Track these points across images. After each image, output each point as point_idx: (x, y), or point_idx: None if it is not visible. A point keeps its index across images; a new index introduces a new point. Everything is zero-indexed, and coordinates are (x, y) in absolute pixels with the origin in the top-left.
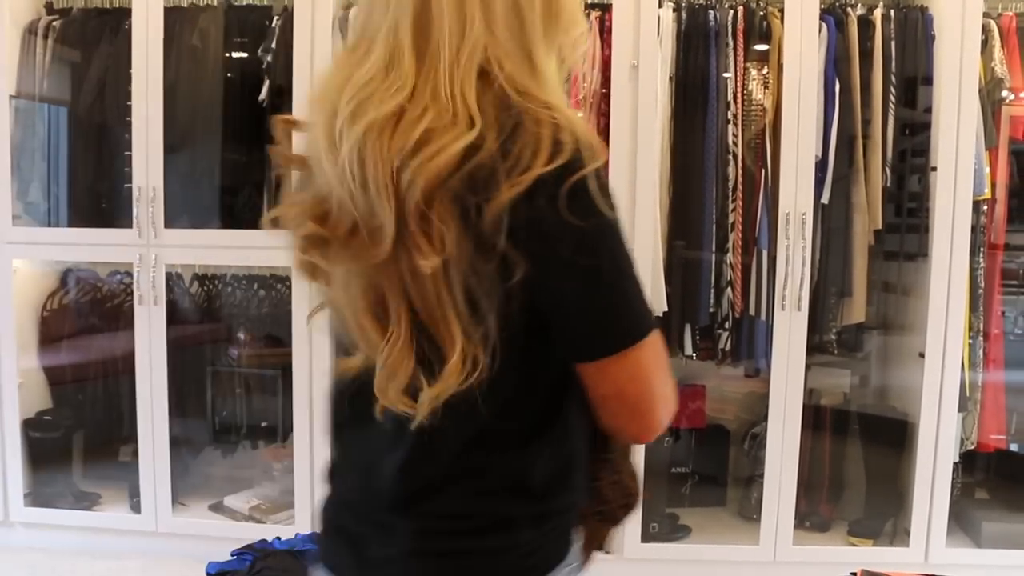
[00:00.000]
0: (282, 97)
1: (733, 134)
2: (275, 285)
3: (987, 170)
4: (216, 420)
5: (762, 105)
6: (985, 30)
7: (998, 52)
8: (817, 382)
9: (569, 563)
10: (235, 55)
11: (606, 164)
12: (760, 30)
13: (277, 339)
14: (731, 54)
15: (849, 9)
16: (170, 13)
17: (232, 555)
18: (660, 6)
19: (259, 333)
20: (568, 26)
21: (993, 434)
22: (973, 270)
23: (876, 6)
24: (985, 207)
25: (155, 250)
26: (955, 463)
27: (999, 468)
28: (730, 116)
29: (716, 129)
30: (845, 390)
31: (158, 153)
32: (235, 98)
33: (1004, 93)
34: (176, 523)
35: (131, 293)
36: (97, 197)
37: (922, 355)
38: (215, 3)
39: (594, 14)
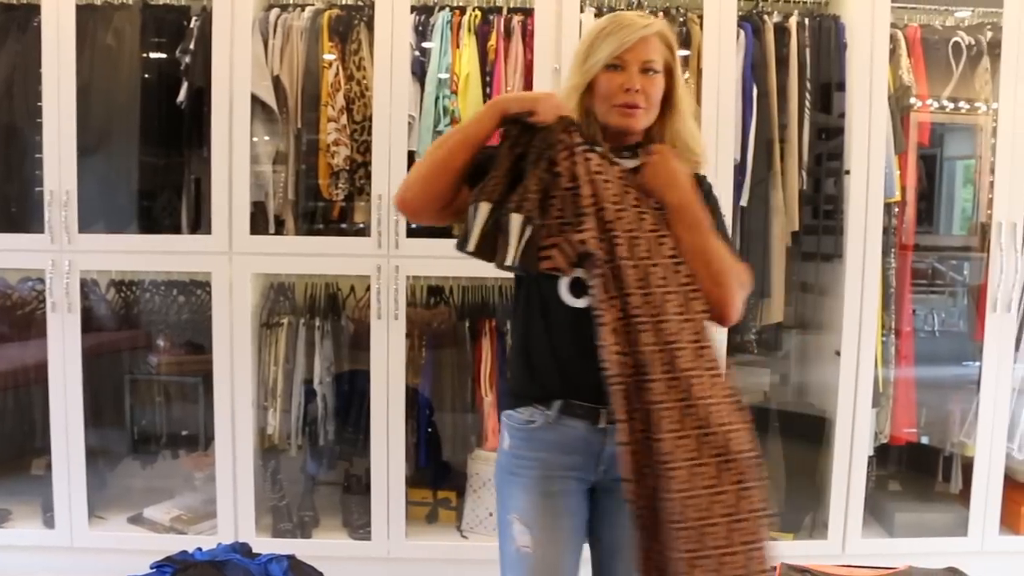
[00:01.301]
0: (201, 99)
1: None
2: (195, 291)
3: (897, 174)
4: (135, 429)
5: None
6: (893, 40)
7: (905, 61)
8: (738, 381)
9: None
10: (152, 56)
11: None
12: (680, 36)
13: (197, 346)
14: None
15: (766, 17)
16: (82, 11)
17: (151, 568)
18: (582, 11)
19: (179, 340)
20: None
21: (905, 428)
22: (885, 270)
23: (791, 14)
24: (896, 209)
25: (68, 256)
26: (869, 457)
27: (910, 460)
28: None
29: None
30: (765, 388)
31: (71, 156)
32: (152, 100)
33: (912, 100)
34: (93, 537)
35: (43, 300)
36: (6, 201)
37: (838, 353)
38: (130, 2)
39: (516, 18)
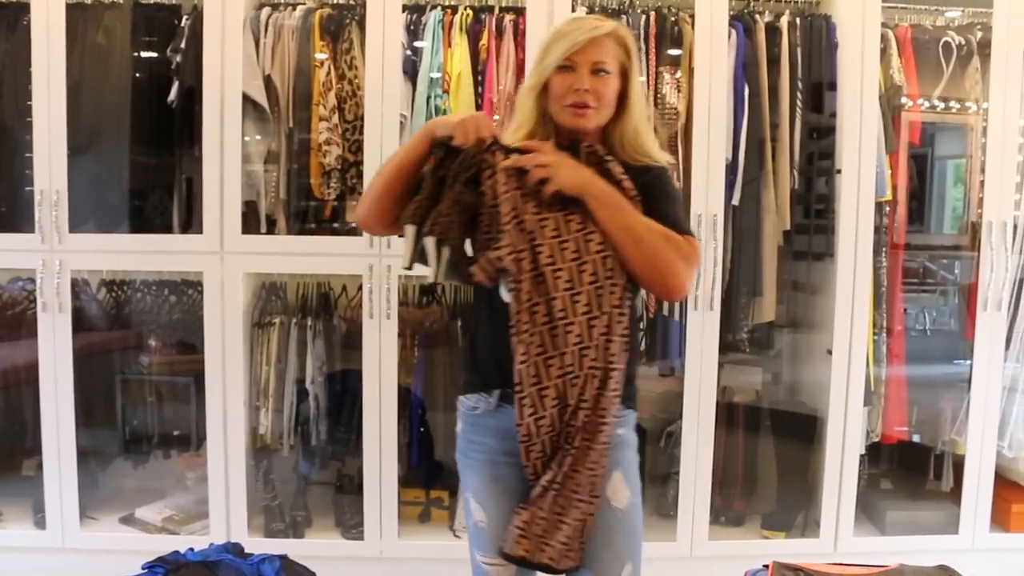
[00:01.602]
0: (192, 98)
1: None
2: (186, 290)
3: (888, 173)
4: (126, 430)
5: (675, 108)
6: (884, 39)
7: (896, 60)
8: (730, 380)
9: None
10: (143, 55)
11: None
12: (672, 35)
13: (189, 345)
14: (643, 58)
15: (757, 16)
16: (72, 10)
17: (143, 568)
18: (573, 10)
19: (170, 340)
20: None
21: (896, 426)
22: (876, 269)
23: (783, 14)
24: (887, 208)
25: (59, 255)
26: (861, 455)
27: (902, 459)
28: None
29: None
30: (757, 387)
31: (61, 155)
32: (143, 99)
33: (902, 99)
34: (84, 538)
35: (34, 300)
36: None
37: (830, 352)
38: (121, 1)
39: (508, 17)
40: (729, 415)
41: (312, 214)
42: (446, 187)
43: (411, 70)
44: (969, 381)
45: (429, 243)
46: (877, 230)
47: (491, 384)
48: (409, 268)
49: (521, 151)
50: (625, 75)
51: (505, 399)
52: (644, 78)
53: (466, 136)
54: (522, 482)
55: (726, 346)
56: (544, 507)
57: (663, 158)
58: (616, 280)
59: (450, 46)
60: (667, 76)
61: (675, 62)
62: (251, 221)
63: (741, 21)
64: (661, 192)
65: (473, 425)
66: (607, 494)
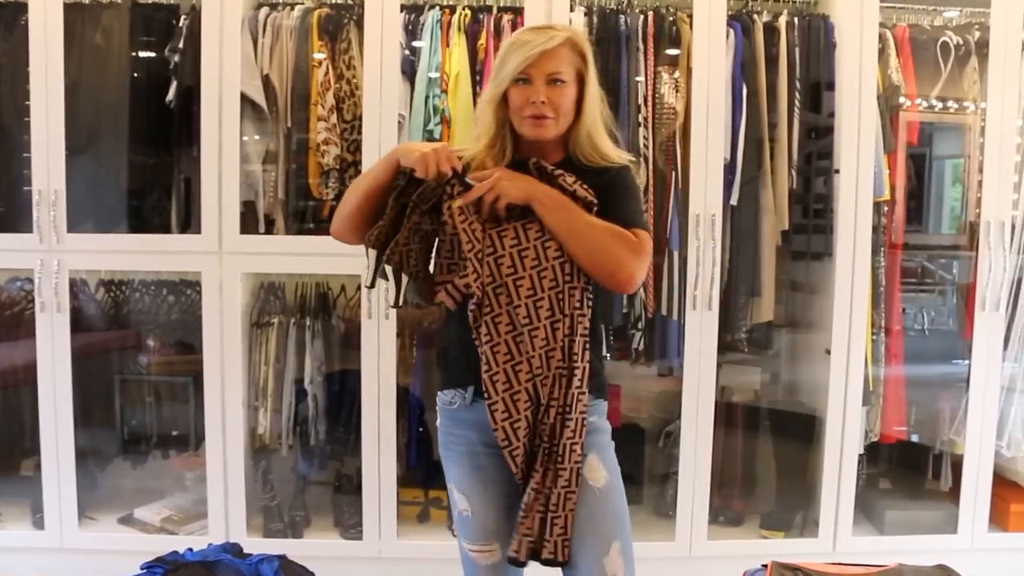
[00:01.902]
0: (190, 98)
1: (644, 137)
2: (184, 290)
3: (886, 173)
4: (125, 430)
5: (673, 108)
6: (882, 39)
7: (894, 60)
8: (729, 380)
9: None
10: (141, 54)
11: None
12: (670, 35)
13: (188, 345)
14: (642, 58)
15: (755, 16)
16: (70, 9)
17: (141, 568)
18: (571, 10)
19: (169, 340)
20: None
21: (895, 426)
22: (875, 269)
23: (781, 14)
24: (885, 208)
25: (57, 255)
26: (860, 455)
27: (900, 458)
28: (641, 119)
29: (628, 132)
30: (756, 387)
31: (60, 155)
32: (141, 99)
33: (901, 99)
34: (83, 538)
35: (32, 300)
36: None
37: (828, 352)
38: (119, 0)
39: (506, 17)
40: (728, 415)
41: (310, 214)
42: (406, 216)
43: (409, 70)
44: (967, 381)
45: (389, 271)
46: (875, 230)
47: (464, 381)
48: (370, 287)
49: (471, 184)
50: (582, 80)
51: (479, 394)
52: (642, 78)
53: (427, 169)
54: (503, 471)
55: (725, 346)
56: (540, 508)
57: (622, 158)
58: (575, 283)
59: (448, 46)
60: (665, 76)
61: (673, 62)
62: (249, 221)
63: (739, 21)
64: (617, 189)
65: (451, 419)
66: (584, 474)
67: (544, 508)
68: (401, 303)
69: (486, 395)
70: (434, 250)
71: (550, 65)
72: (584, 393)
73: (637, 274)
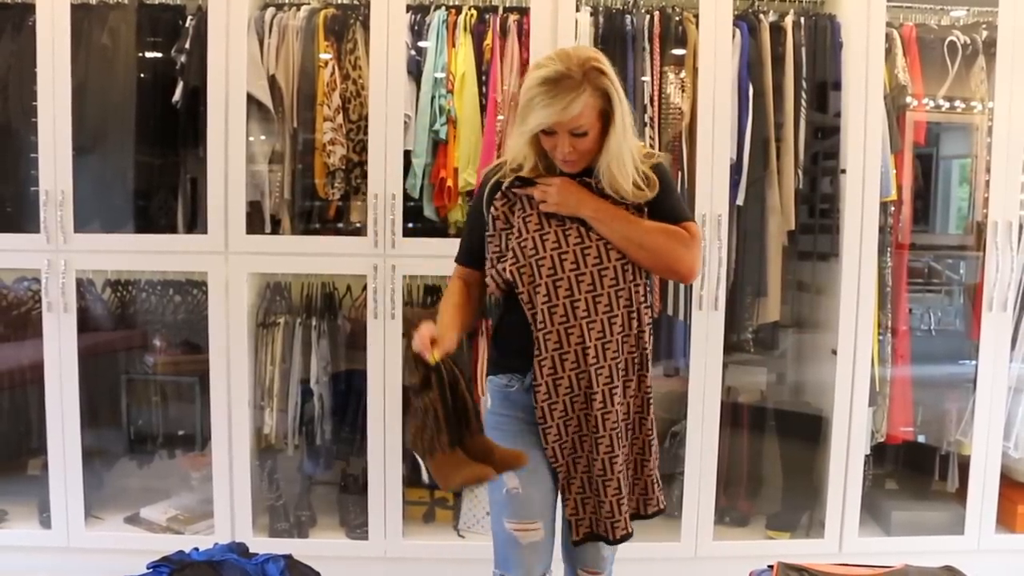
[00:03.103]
0: (197, 98)
1: (650, 137)
2: (191, 290)
3: (893, 173)
4: (131, 429)
5: (679, 108)
6: (888, 39)
7: (901, 60)
8: (735, 380)
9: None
10: (148, 55)
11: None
12: (676, 35)
13: (194, 345)
14: (648, 58)
15: (761, 15)
16: (77, 10)
17: (148, 568)
18: (577, 10)
19: (175, 339)
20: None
21: (901, 426)
22: (881, 269)
23: (787, 13)
24: (892, 208)
25: (64, 255)
26: (866, 455)
27: (907, 459)
28: (647, 119)
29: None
30: (762, 387)
31: (67, 155)
32: (148, 99)
33: (907, 99)
34: (89, 537)
35: (39, 300)
36: (1, 201)
37: (834, 352)
38: (125, 1)
39: (512, 17)
40: (734, 415)
41: (316, 214)
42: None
43: (415, 70)
44: (974, 381)
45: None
46: (882, 230)
47: (522, 368)
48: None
49: (534, 181)
50: (606, 116)
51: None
52: (648, 78)
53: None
54: None
55: (731, 346)
56: (578, 490)
57: (638, 196)
58: (638, 280)
59: (454, 46)
60: (671, 76)
61: (679, 62)
62: (255, 221)
63: (745, 21)
64: (661, 190)
65: (504, 399)
66: None
67: (639, 473)
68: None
69: (534, 379)
70: (486, 247)
71: (571, 123)
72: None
73: (695, 265)
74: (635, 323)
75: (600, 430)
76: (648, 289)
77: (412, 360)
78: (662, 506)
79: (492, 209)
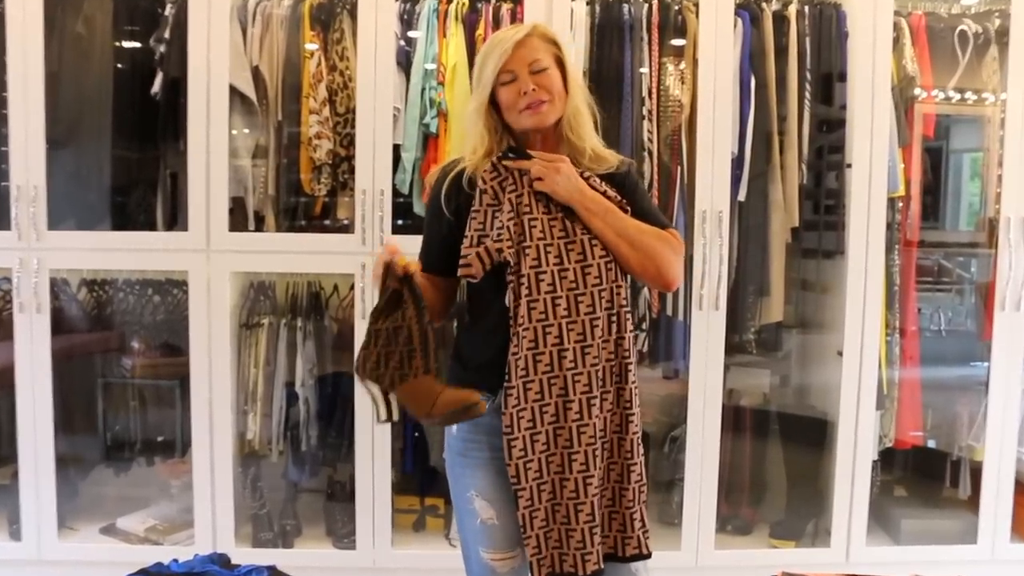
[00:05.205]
0: (177, 90)
1: (649, 130)
2: (171, 290)
3: (901, 167)
4: (108, 436)
5: (679, 101)
6: (896, 28)
7: (909, 50)
8: (737, 382)
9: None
10: (125, 45)
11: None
12: (675, 24)
13: (174, 347)
14: (646, 49)
15: (764, 4)
16: None
17: None
18: None
19: (154, 341)
20: None
21: (911, 431)
22: (889, 267)
23: (791, 2)
24: (900, 204)
25: (37, 254)
26: (874, 461)
27: (916, 465)
28: (645, 112)
29: (631, 125)
30: (765, 390)
31: (39, 149)
32: (125, 91)
33: (916, 91)
34: (62, 549)
35: (10, 301)
36: None
37: (840, 353)
38: None
39: (506, 6)
40: (736, 419)
41: (302, 211)
42: (372, 330)
43: (405, 61)
44: (987, 384)
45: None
46: (889, 227)
47: (492, 385)
48: (387, 421)
49: (530, 155)
50: (562, 64)
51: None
52: (646, 70)
53: (379, 283)
54: None
55: (732, 347)
56: (610, 504)
57: (614, 157)
58: (620, 282)
59: (445, 36)
60: (671, 67)
61: (679, 53)
62: (238, 218)
63: (747, 10)
64: (636, 192)
65: (475, 424)
66: None
67: (616, 504)
68: (396, 417)
69: (506, 381)
70: (467, 223)
71: (528, 55)
72: (637, 387)
73: (681, 274)
74: (615, 327)
75: (574, 445)
76: (628, 293)
77: (379, 278)
78: (646, 551)
79: (480, 183)
